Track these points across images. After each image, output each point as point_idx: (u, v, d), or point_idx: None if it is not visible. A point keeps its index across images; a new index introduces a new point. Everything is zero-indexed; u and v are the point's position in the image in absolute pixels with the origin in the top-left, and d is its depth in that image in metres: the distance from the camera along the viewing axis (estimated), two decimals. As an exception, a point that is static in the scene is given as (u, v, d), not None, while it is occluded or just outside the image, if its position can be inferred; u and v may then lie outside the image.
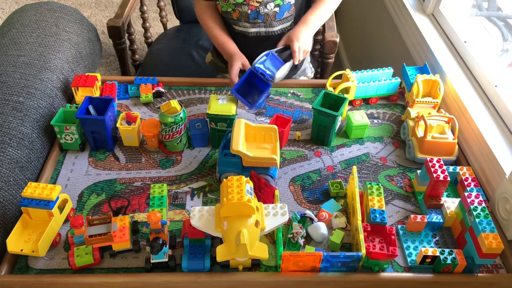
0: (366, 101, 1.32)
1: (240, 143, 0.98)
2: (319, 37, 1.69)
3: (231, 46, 1.24)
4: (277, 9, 1.20)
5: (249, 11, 1.20)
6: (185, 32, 1.84)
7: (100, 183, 1.06)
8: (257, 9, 1.20)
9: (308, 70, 1.49)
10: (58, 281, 0.85)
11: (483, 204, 0.90)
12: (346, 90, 1.27)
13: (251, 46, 1.27)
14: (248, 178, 0.88)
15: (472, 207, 0.89)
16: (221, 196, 0.87)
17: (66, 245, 0.93)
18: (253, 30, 1.25)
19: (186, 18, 1.89)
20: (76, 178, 1.07)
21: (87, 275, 0.87)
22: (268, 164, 1.01)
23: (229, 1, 1.20)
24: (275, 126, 1.04)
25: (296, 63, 1.16)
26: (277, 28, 1.26)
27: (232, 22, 1.26)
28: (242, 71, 1.20)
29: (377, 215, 0.93)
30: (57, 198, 0.92)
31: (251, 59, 1.22)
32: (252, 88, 1.15)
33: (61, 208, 0.94)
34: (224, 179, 0.86)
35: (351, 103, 1.31)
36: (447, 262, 0.87)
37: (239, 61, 1.19)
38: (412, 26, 1.53)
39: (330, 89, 1.27)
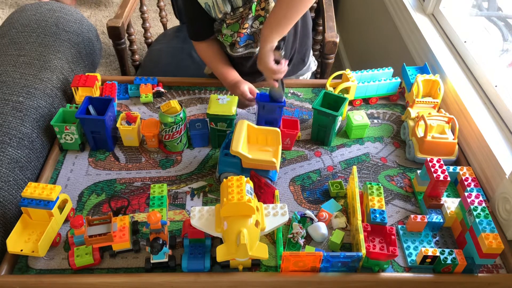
0: (366, 101, 1.32)
1: (240, 144, 0.98)
2: (319, 38, 1.69)
3: (232, 75, 1.25)
4: (261, 26, 1.18)
5: (238, 39, 1.21)
6: (185, 32, 1.84)
7: (100, 183, 1.06)
8: (246, 33, 1.20)
9: (312, 63, 1.49)
10: (58, 281, 0.85)
11: (483, 204, 0.90)
12: (346, 90, 1.27)
13: (249, 65, 1.30)
14: (248, 178, 0.88)
15: (472, 207, 0.89)
16: (221, 196, 0.87)
17: (66, 245, 0.93)
18: (246, 51, 1.25)
19: (186, 18, 1.89)
20: (76, 178, 1.07)
21: (87, 275, 0.87)
22: (267, 167, 1.01)
23: (226, 35, 1.21)
24: (278, 130, 1.04)
25: (275, 85, 1.12)
26: None
27: (229, 49, 1.26)
28: None
29: (377, 215, 0.93)
30: (57, 198, 0.92)
31: (253, 74, 1.28)
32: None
33: (61, 208, 0.94)
34: (224, 179, 0.86)
35: (351, 103, 1.31)
36: (447, 262, 0.87)
37: (246, 85, 1.21)
38: (412, 26, 1.53)
39: (330, 89, 1.27)
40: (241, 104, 1.22)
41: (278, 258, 0.90)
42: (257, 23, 1.19)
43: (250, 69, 1.31)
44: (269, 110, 1.14)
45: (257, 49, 1.24)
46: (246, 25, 1.17)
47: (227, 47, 1.26)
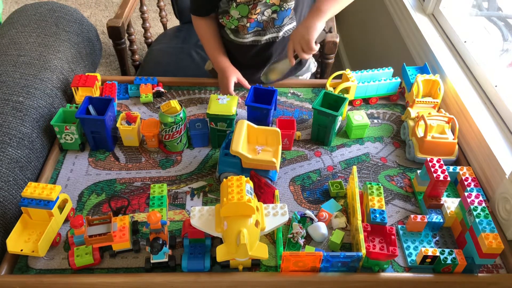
0: (366, 101, 1.32)
1: (240, 144, 0.98)
2: (319, 37, 1.69)
3: (223, 60, 1.26)
4: (274, 15, 1.18)
5: (248, 24, 1.19)
6: (185, 32, 1.84)
7: (100, 183, 1.06)
8: (256, 19, 1.19)
9: (312, 64, 1.49)
10: (58, 281, 0.85)
11: (483, 204, 0.90)
12: (346, 90, 1.27)
13: (253, 54, 1.28)
14: (248, 178, 0.88)
15: (472, 207, 0.89)
16: (221, 196, 0.87)
17: (66, 245, 0.93)
18: (252, 38, 1.25)
19: (186, 18, 1.89)
20: (76, 178, 1.07)
21: (87, 275, 0.87)
22: (267, 167, 1.01)
23: (233, 17, 1.19)
24: (278, 130, 1.05)
25: (292, 63, 1.10)
26: (280, 33, 1.24)
27: (233, 35, 1.26)
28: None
29: (377, 215, 0.93)
30: (57, 198, 0.92)
31: (255, 66, 1.26)
32: (259, 98, 1.18)
33: (61, 208, 0.94)
34: (224, 179, 0.86)
35: (351, 103, 1.31)
36: (447, 262, 0.87)
37: (234, 75, 1.23)
38: (412, 26, 1.53)
39: (330, 89, 1.27)
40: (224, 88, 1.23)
41: (278, 258, 0.90)
42: (269, 12, 1.16)
43: (251, 61, 1.29)
44: (256, 112, 1.15)
45: (264, 37, 1.23)
46: (258, 10, 1.13)
47: (230, 33, 1.24)
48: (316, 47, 1.03)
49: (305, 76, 1.47)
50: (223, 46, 1.30)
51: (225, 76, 1.24)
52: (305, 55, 1.04)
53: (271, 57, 1.30)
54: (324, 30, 1.02)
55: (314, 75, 1.64)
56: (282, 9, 1.17)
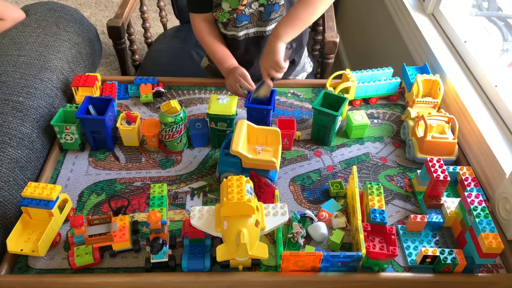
0: (366, 101, 1.32)
1: (240, 144, 0.98)
2: (319, 37, 1.69)
3: (232, 59, 1.24)
4: (261, 8, 1.19)
5: (235, 15, 1.19)
6: (185, 32, 1.84)
7: (100, 183, 1.06)
8: (243, 12, 1.18)
9: (307, 65, 1.49)
10: (58, 281, 0.85)
11: (483, 204, 0.90)
12: (346, 90, 1.27)
13: (242, 49, 1.28)
14: (248, 178, 0.88)
15: (472, 207, 0.89)
16: (221, 196, 0.87)
17: (66, 245, 0.93)
18: (242, 32, 1.24)
19: (186, 18, 1.89)
20: (76, 178, 1.07)
21: (87, 275, 0.87)
22: (267, 167, 1.01)
23: (224, 10, 1.19)
24: (278, 129, 1.05)
25: (271, 85, 1.15)
26: (268, 28, 1.23)
27: (224, 29, 1.25)
28: None
29: (377, 215, 0.93)
30: (57, 198, 0.92)
31: (244, 62, 1.24)
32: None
33: (61, 208, 0.94)
34: (224, 179, 0.86)
35: (351, 103, 1.31)
36: (447, 262, 0.87)
37: (244, 70, 1.19)
38: (412, 26, 1.53)
39: (330, 89, 1.27)
40: (234, 89, 1.21)
41: (278, 258, 0.90)
42: (257, 4, 1.18)
43: (242, 56, 1.28)
44: (257, 113, 1.15)
45: (251, 30, 1.23)
46: (245, 1, 1.16)
47: (222, 27, 1.25)
48: (286, 64, 1.12)
49: (301, 76, 1.47)
50: (225, 47, 1.26)
51: (234, 71, 1.18)
52: (278, 74, 1.12)
53: (260, 53, 1.26)
54: (286, 47, 1.12)
55: (314, 75, 1.64)
56: (269, 3, 1.18)
